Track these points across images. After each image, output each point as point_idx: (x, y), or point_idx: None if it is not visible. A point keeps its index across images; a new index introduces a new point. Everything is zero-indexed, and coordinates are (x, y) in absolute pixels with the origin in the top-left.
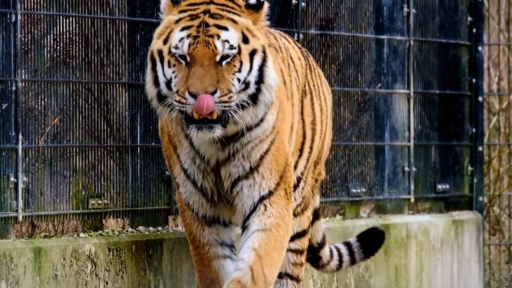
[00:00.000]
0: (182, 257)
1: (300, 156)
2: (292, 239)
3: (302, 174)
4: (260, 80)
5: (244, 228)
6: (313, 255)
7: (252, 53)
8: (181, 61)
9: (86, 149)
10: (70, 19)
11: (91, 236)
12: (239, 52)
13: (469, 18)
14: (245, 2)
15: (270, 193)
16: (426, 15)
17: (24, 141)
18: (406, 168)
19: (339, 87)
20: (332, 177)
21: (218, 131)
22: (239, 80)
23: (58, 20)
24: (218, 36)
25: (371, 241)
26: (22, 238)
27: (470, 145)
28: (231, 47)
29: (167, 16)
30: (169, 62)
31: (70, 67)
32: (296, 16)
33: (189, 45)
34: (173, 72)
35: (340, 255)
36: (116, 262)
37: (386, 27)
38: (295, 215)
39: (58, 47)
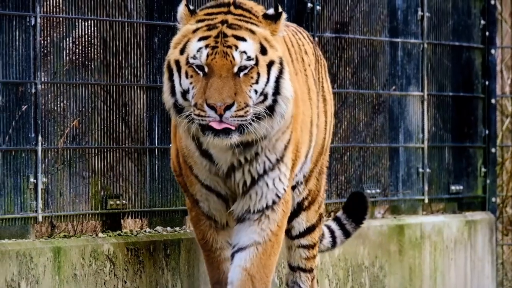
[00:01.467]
0: (199, 257)
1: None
2: (302, 235)
3: (312, 169)
4: (277, 91)
5: (242, 220)
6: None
7: (270, 65)
8: (199, 72)
9: (105, 150)
10: (89, 22)
11: (110, 236)
12: (257, 63)
13: (482, 22)
14: (263, 13)
15: (283, 193)
16: (440, 19)
17: (43, 142)
18: (420, 170)
19: (354, 89)
20: (347, 178)
21: (235, 137)
22: (256, 91)
23: (77, 23)
24: (236, 47)
25: (357, 208)
26: (41, 238)
27: (483, 147)
28: (249, 58)
29: (184, 26)
30: (186, 73)
31: (89, 70)
32: (312, 20)
33: (208, 56)
34: (191, 83)
35: (331, 232)
36: (134, 261)
37: (401, 30)
38: (302, 209)
39: (77, 50)
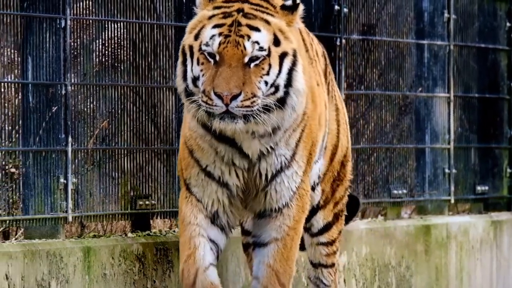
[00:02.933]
0: (227, 256)
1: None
2: (321, 232)
3: (324, 168)
4: (289, 83)
5: (261, 216)
6: None
7: (283, 56)
8: (210, 59)
9: (134, 151)
10: (118, 24)
11: (139, 236)
12: (269, 55)
13: (508, 24)
14: (281, 3)
15: (301, 181)
16: (466, 21)
17: (73, 143)
18: (447, 170)
19: (380, 90)
20: (374, 179)
21: (240, 123)
22: (266, 83)
23: (106, 25)
24: (249, 37)
25: (347, 208)
26: (71, 238)
27: (508, 148)
28: (261, 49)
29: (201, 11)
30: (198, 60)
31: (118, 71)
32: (339, 22)
33: (220, 44)
34: (201, 70)
35: None
36: (163, 261)
37: (427, 32)
38: (319, 208)
39: (106, 52)
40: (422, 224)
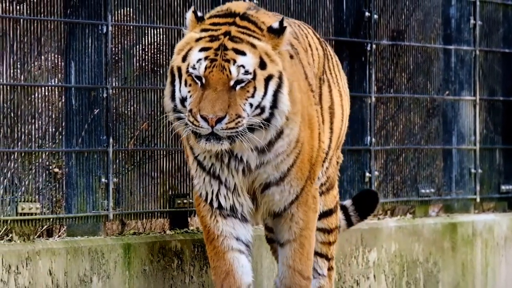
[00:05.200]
0: (262, 253)
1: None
2: (319, 218)
3: (326, 154)
4: (274, 105)
5: (274, 216)
6: None
7: (268, 79)
8: (197, 81)
9: (173, 152)
10: (158, 30)
11: (177, 233)
12: (254, 78)
13: None
14: (267, 26)
15: (297, 197)
16: (491, 27)
17: (114, 144)
18: (472, 170)
19: (409, 94)
20: (402, 179)
21: (225, 144)
22: (251, 105)
23: (146, 31)
24: (234, 61)
25: (366, 203)
26: (112, 235)
27: None
28: (246, 73)
29: (189, 32)
30: (185, 81)
31: (158, 75)
32: (369, 28)
33: (206, 68)
34: (189, 91)
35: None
36: (200, 257)
37: (454, 38)
38: (320, 194)
39: (146, 57)
40: (449, 222)
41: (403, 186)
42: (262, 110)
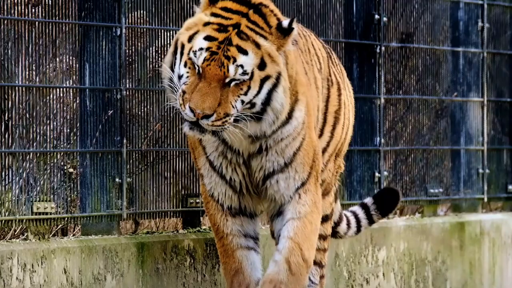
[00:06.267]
0: (274, 252)
1: (320, 139)
2: None
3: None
4: (267, 102)
5: (277, 215)
6: (332, 231)
7: (265, 79)
8: (195, 67)
9: (185, 152)
10: (171, 32)
11: (190, 232)
12: (251, 78)
13: None
14: (277, 22)
15: (303, 183)
16: (498, 29)
17: (128, 145)
18: (480, 170)
19: (418, 95)
20: (411, 179)
21: (207, 136)
22: (243, 101)
23: (159, 34)
24: (234, 60)
25: (387, 201)
26: (126, 234)
27: None
28: (244, 73)
29: (200, 13)
30: (185, 63)
31: None
32: (379, 30)
33: (204, 60)
34: (187, 72)
35: (357, 221)
36: (212, 256)
37: (462, 40)
38: None
39: (159, 59)
40: (457, 221)
41: (412, 186)
42: (253, 105)
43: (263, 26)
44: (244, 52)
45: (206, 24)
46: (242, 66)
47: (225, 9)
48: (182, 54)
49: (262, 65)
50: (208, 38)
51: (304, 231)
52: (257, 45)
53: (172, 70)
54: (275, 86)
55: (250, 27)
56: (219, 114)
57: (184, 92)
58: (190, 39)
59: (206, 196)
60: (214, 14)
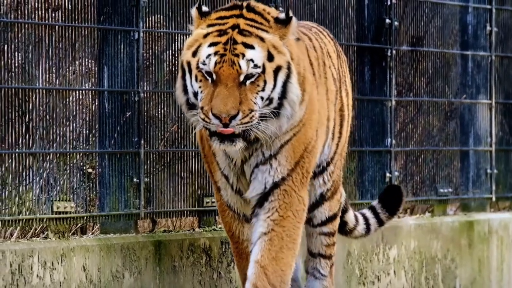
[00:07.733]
0: None
1: (331, 140)
2: (324, 223)
3: (332, 158)
4: (283, 95)
5: (254, 216)
6: (339, 222)
7: (277, 70)
8: (208, 77)
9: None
10: (187, 36)
11: (206, 231)
12: (264, 71)
13: None
14: (275, 16)
15: (283, 179)
16: (506, 33)
17: (145, 146)
18: (488, 171)
19: (428, 97)
20: (421, 178)
21: (239, 144)
22: (262, 98)
23: (176, 37)
24: (243, 55)
25: (392, 200)
26: (143, 233)
27: None
28: (256, 66)
29: (195, 29)
30: (196, 77)
31: None
32: (390, 34)
33: (216, 64)
34: (200, 87)
35: (366, 219)
36: (228, 254)
37: (471, 43)
38: (325, 199)
39: (176, 62)
40: (466, 220)
41: (422, 186)
42: (271, 101)
43: (261, 22)
44: (251, 47)
45: (206, 35)
46: (252, 60)
47: (219, 18)
48: (190, 71)
49: (270, 57)
50: (212, 44)
51: (271, 250)
52: (261, 39)
53: (186, 93)
54: (288, 77)
55: (250, 24)
56: (244, 111)
57: (203, 107)
58: (195, 53)
59: (222, 205)
60: (210, 25)
